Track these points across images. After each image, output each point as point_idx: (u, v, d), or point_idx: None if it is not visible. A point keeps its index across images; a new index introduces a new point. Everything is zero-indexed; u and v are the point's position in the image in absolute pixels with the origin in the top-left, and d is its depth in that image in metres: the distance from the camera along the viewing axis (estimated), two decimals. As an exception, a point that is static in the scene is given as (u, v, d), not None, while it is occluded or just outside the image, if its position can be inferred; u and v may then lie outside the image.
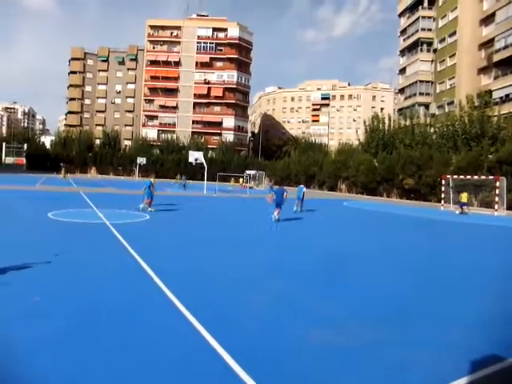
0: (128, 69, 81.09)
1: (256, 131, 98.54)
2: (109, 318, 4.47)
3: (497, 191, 26.27)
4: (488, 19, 43.07)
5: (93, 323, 4.28)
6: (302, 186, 20.30)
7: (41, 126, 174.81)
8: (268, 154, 77.83)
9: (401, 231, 15.31)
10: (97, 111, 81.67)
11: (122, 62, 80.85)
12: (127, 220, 12.71)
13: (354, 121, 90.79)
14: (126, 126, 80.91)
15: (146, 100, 77.59)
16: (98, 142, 72.31)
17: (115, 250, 8.19)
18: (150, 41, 77.84)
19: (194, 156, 33.41)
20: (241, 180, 48.42)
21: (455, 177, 29.98)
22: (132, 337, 4.01)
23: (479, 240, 13.84)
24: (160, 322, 4.40)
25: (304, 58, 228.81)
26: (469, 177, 28.91)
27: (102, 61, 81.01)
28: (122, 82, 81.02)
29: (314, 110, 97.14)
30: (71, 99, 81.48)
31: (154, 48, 77.71)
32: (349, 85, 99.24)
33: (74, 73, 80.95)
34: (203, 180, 34.71)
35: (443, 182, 30.16)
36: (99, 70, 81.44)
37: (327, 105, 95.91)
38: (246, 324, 4.56)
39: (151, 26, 78.27)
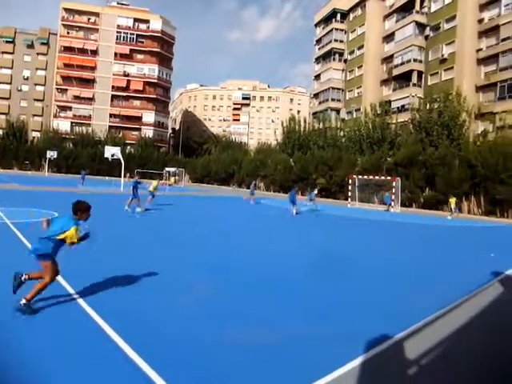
0: (38, 53, 74.40)
1: (177, 128, 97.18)
2: (8, 327, 4.20)
3: (393, 190, 29.77)
4: (389, 37, 48.05)
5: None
6: (293, 190, 20.51)
7: None
8: (188, 151, 77.34)
9: (310, 227, 16.67)
10: (-1, 98, 73.91)
11: (31, 46, 73.92)
12: (31, 219, 11.89)
13: (273, 122, 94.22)
14: (34, 116, 74.25)
15: (58, 89, 72.10)
16: (0, 132, 65.44)
17: (16, 251, 7.59)
18: (64, 25, 72.38)
19: (111, 151, 32.38)
20: (172, 179, 46.11)
21: (360, 177, 33.19)
22: (34, 335, 3.96)
23: (372, 233, 15.72)
24: (67, 326, 4.25)
25: (227, 57, 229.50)
26: (371, 177, 32.27)
27: (7, 42, 73.11)
28: (31, 67, 74.17)
29: (235, 109, 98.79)
30: (-34, 82, 72.59)
31: (68, 33, 72.48)
32: (268, 87, 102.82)
33: (-29, 52, 72.27)
34: (121, 177, 33.74)
35: (350, 181, 33.19)
36: (3, 52, 73.42)
37: (248, 105, 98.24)
38: (160, 323, 4.48)
39: (66, 9, 72.82)
